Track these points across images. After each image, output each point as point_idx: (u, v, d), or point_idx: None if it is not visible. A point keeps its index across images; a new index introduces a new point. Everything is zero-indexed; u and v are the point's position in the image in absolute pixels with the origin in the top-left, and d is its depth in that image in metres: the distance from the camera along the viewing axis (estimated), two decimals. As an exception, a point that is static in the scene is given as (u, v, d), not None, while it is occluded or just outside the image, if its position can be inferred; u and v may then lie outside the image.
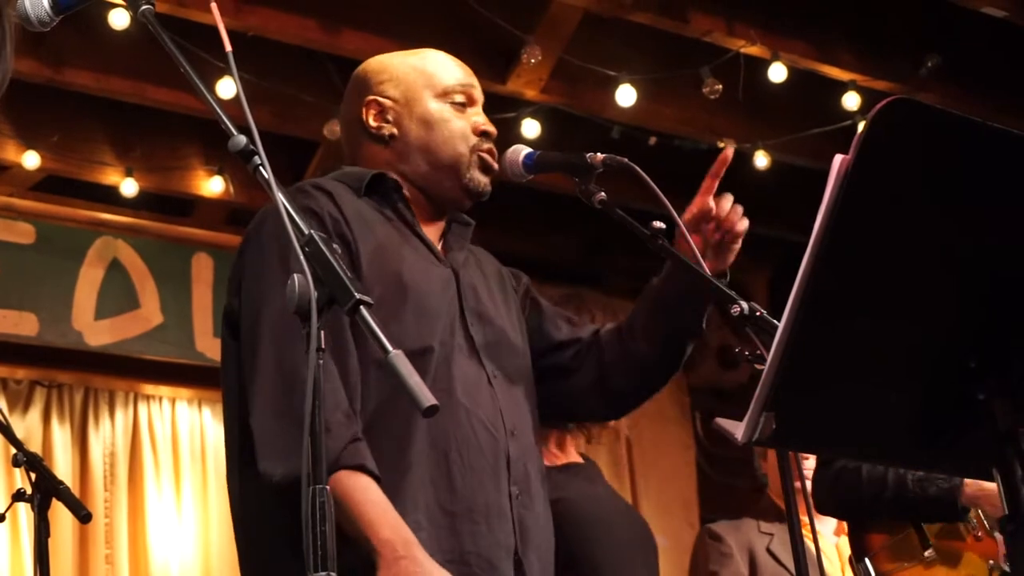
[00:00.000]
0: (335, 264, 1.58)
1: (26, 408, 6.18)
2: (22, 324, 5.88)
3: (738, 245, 2.31)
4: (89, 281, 6.09)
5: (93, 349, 6.07)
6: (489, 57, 5.12)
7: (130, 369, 6.34)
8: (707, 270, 2.21)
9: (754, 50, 5.27)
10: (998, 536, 3.04)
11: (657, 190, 2.17)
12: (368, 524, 1.99)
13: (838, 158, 1.39)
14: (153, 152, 5.89)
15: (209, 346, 6.18)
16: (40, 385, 6.26)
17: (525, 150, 2.42)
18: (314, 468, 1.51)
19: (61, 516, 4.76)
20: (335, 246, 1.65)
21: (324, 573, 1.47)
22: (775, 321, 2.04)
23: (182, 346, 6.24)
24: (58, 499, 3.40)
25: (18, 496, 3.48)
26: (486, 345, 2.28)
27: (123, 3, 2.51)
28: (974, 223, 1.47)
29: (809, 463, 3.33)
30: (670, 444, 7.37)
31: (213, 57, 4.08)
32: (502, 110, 5.27)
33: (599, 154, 2.32)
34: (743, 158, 5.83)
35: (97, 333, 6.06)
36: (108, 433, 6.33)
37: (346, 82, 2.51)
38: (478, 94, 2.44)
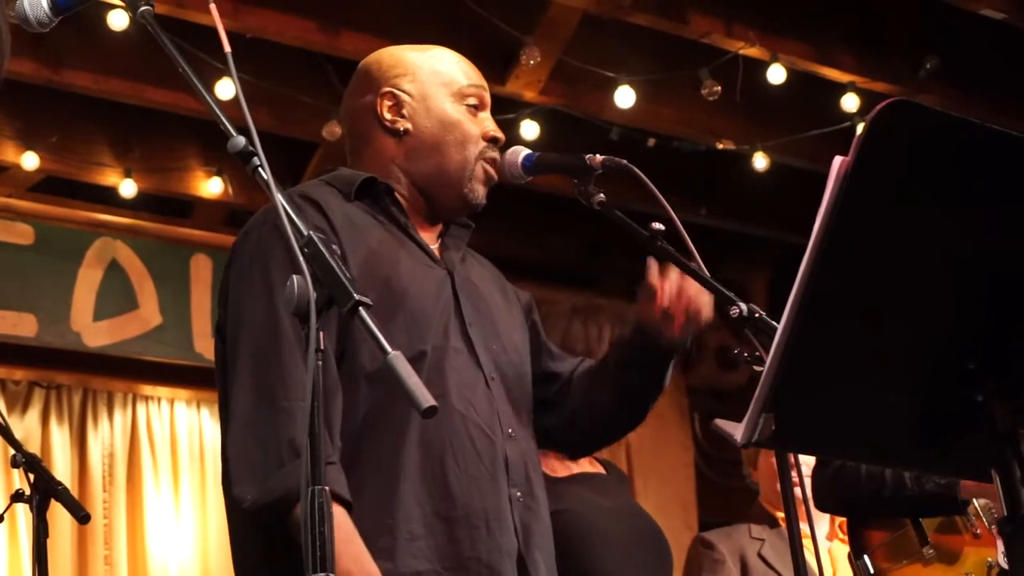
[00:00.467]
0: (334, 265, 1.57)
1: (25, 409, 6.18)
2: (21, 325, 5.87)
3: (700, 323, 2.29)
4: (88, 282, 6.08)
5: (92, 350, 6.07)
6: (488, 58, 5.11)
7: (129, 370, 6.34)
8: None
9: (753, 51, 5.26)
10: (995, 529, 3.04)
11: (656, 191, 2.17)
12: None
13: (837, 159, 1.39)
14: (152, 153, 5.89)
15: (208, 347, 6.16)
16: (39, 386, 6.26)
17: (524, 151, 2.41)
18: (313, 469, 1.50)
19: (60, 517, 4.74)
20: (334, 247, 1.65)
21: (323, 574, 1.47)
22: (774, 323, 2.05)
23: (181, 347, 6.24)
24: (57, 500, 3.39)
25: (17, 497, 3.47)
26: (485, 346, 2.26)
27: (122, 4, 2.50)
28: (973, 225, 1.47)
29: (807, 469, 3.32)
30: (668, 445, 7.36)
31: (212, 58, 4.08)
32: (501, 111, 5.25)
33: (598, 155, 2.31)
34: (742, 160, 5.83)
35: (96, 334, 6.05)
36: (107, 434, 6.33)
37: (345, 83, 2.49)
38: (488, 98, 2.43)
